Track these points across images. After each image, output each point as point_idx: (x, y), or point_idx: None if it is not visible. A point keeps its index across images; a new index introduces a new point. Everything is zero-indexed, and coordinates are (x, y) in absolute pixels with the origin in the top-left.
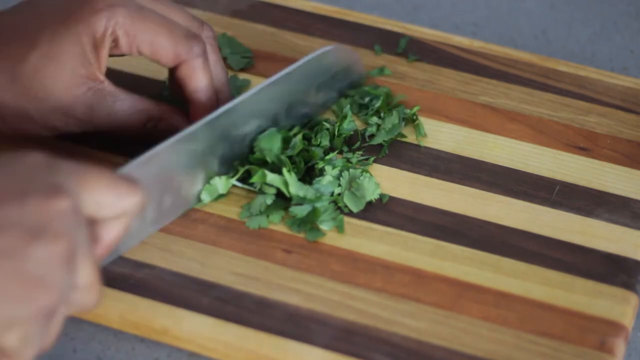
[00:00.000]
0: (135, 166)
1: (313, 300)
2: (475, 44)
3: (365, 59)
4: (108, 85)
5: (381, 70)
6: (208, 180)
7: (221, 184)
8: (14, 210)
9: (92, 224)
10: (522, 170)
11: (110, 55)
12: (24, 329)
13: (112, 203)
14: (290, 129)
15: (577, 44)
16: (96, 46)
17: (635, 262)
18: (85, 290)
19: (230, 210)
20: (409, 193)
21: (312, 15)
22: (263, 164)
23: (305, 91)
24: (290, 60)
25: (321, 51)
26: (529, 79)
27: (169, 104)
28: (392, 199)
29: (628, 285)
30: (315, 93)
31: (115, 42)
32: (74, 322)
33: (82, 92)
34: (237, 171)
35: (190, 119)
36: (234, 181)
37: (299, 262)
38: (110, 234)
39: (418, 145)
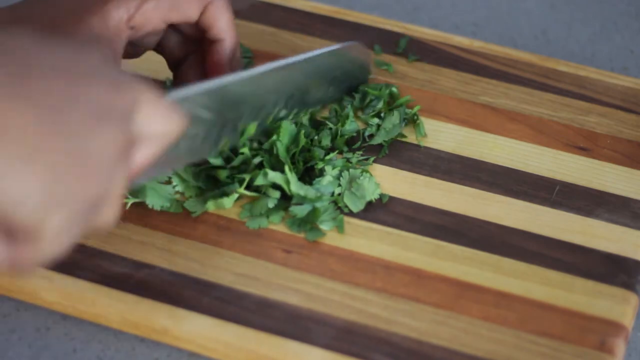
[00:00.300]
0: (177, 97)
1: (313, 300)
2: (475, 44)
3: None
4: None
5: (387, 67)
6: (222, 140)
7: (229, 201)
8: (87, 88)
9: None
10: (522, 170)
11: (136, 45)
12: (70, 213)
13: (158, 121)
14: (295, 119)
15: (577, 44)
16: (115, 36)
17: (635, 262)
18: (111, 203)
19: (230, 210)
20: (409, 193)
21: (312, 15)
22: (269, 154)
23: (321, 80)
24: None
25: (345, 45)
26: (529, 79)
27: None
28: (392, 199)
29: (628, 285)
30: (328, 85)
31: (134, 29)
32: (74, 322)
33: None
34: (243, 180)
35: (216, 59)
36: (241, 190)
37: (299, 262)
38: (144, 153)
39: (418, 145)
